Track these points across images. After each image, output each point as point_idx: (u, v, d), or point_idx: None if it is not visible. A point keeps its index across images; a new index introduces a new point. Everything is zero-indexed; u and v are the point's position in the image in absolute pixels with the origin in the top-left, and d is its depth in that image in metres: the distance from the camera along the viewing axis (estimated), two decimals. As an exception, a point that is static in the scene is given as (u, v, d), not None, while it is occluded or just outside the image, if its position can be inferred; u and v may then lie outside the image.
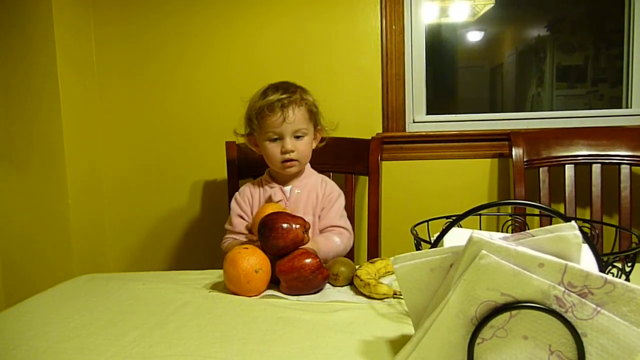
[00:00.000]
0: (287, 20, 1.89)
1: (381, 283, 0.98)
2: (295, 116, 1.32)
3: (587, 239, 0.61)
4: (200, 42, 1.93)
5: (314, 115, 1.38)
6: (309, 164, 1.43)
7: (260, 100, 1.34)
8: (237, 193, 1.43)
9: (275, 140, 1.34)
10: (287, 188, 1.38)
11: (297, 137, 1.34)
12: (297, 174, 1.40)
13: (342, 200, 1.40)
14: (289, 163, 1.34)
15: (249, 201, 1.39)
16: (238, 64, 1.92)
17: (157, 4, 1.93)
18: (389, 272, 1.08)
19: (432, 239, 0.74)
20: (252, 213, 1.36)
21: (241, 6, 1.90)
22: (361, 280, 0.99)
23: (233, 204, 1.41)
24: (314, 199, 1.37)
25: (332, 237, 1.29)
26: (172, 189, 2.00)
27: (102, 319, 0.90)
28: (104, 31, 1.95)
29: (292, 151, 1.33)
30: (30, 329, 0.86)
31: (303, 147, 1.35)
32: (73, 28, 1.85)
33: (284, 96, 1.32)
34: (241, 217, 1.37)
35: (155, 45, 1.95)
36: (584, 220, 0.98)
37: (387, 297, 0.96)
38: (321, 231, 1.34)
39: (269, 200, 1.36)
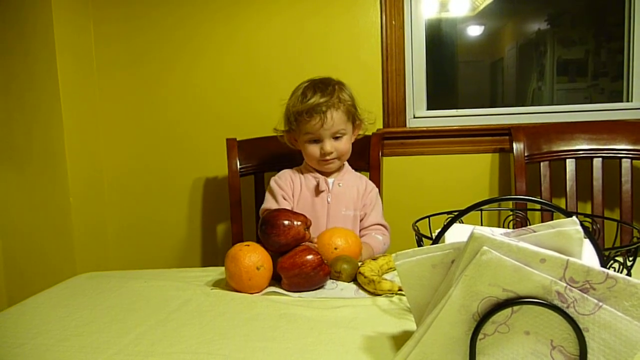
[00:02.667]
0: (286, 16, 1.88)
1: (385, 279, 0.98)
2: (334, 120, 1.34)
3: (589, 233, 0.61)
4: (200, 39, 1.93)
5: (352, 115, 1.39)
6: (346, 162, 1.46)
7: (298, 103, 1.35)
8: (276, 176, 1.44)
9: (314, 141, 1.36)
10: (330, 180, 1.40)
11: (336, 138, 1.36)
12: (338, 169, 1.42)
13: (380, 199, 1.45)
14: (329, 161, 1.37)
15: (290, 185, 1.40)
16: (238, 61, 1.92)
17: (157, 1, 1.93)
18: (391, 268, 1.08)
19: (434, 235, 0.74)
20: (292, 196, 1.38)
21: (240, 3, 1.89)
22: (365, 277, 0.99)
23: (273, 185, 1.41)
24: (355, 194, 1.40)
25: (376, 237, 1.33)
26: (173, 186, 2.00)
27: (103, 317, 0.91)
28: (104, 29, 1.95)
29: (331, 152, 1.35)
30: (32, 328, 0.86)
31: (342, 146, 1.38)
32: (73, 26, 1.85)
33: (322, 100, 1.33)
34: (284, 197, 1.38)
35: (155, 43, 1.95)
36: (585, 215, 0.98)
37: (392, 293, 0.96)
38: (366, 228, 1.38)
39: (316, 188, 1.37)
